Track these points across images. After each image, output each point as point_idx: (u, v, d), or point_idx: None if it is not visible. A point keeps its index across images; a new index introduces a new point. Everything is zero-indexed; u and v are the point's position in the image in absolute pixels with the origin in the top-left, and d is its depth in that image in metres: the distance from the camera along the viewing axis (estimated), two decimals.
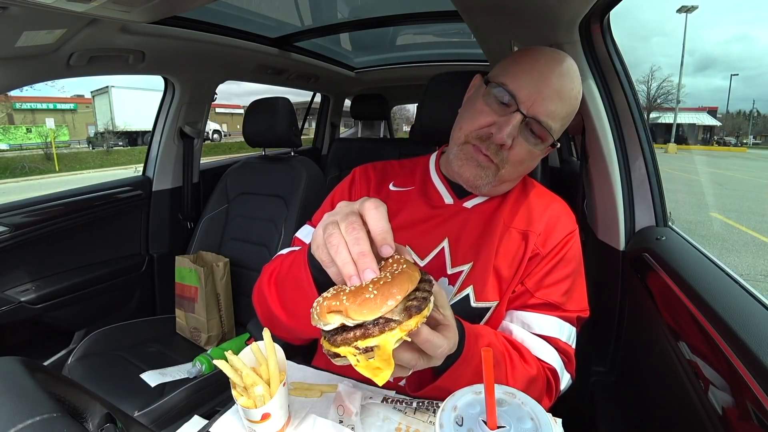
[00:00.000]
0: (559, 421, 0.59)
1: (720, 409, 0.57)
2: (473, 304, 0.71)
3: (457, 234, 0.74)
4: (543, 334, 0.69)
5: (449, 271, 0.73)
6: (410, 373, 0.49)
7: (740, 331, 0.56)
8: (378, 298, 0.40)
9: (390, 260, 0.45)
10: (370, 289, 0.41)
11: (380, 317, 0.40)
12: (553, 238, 0.73)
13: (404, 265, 0.44)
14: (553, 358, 0.68)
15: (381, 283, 0.41)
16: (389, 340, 0.41)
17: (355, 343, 0.41)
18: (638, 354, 0.91)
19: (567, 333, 0.70)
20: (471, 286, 0.71)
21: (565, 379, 0.70)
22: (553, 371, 0.67)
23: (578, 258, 0.75)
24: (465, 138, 0.72)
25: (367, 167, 0.86)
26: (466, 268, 0.72)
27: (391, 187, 0.82)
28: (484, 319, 0.71)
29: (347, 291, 0.41)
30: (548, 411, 0.79)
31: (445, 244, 0.74)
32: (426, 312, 0.43)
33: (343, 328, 0.42)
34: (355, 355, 0.41)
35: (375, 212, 0.44)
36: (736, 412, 0.53)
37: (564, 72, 0.67)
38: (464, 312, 0.70)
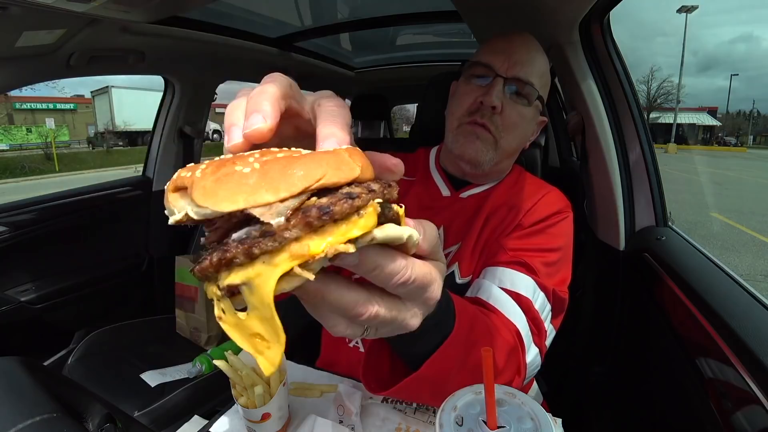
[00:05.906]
0: (559, 421, 0.59)
1: (720, 409, 0.57)
2: (458, 280, 0.72)
3: (450, 221, 0.77)
4: (513, 290, 0.63)
5: None
6: (364, 334, 0.30)
7: (740, 331, 0.56)
8: (254, 176, 0.21)
9: None
10: (251, 160, 0.22)
11: (250, 219, 0.21)
12: (538, 213, 0.74)
13: (351, 158, 0.24)
14: (520, 321, 0.60)
15: (280, 155, 0.23)
16: (267, 275, 0.21)
17: (216, 277, 0.23)
18: (638, 354, 0.91)
19: (541, 301, 0.64)
20: (456, 263, 0.73)
21: (532, 353, 0.60)
22: (518, 334, 0.59)
23: (566, 238, 0.74)
24: (459, 121, 0.76)
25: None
26: (453, 248, 0.75)
27: None
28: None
29: (218, 160, 0.24)
30: (523, 387, 0.79)
31: (440, 232, 0.77)
32: (366, 222, 0.23)
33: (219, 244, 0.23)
34: (218, 300, 0.23)
35: (333, 105, 0.29)
36: (736, 412, 0.53)
37: (527, 38, 0.76)
38: (450, 289, 0.69)
